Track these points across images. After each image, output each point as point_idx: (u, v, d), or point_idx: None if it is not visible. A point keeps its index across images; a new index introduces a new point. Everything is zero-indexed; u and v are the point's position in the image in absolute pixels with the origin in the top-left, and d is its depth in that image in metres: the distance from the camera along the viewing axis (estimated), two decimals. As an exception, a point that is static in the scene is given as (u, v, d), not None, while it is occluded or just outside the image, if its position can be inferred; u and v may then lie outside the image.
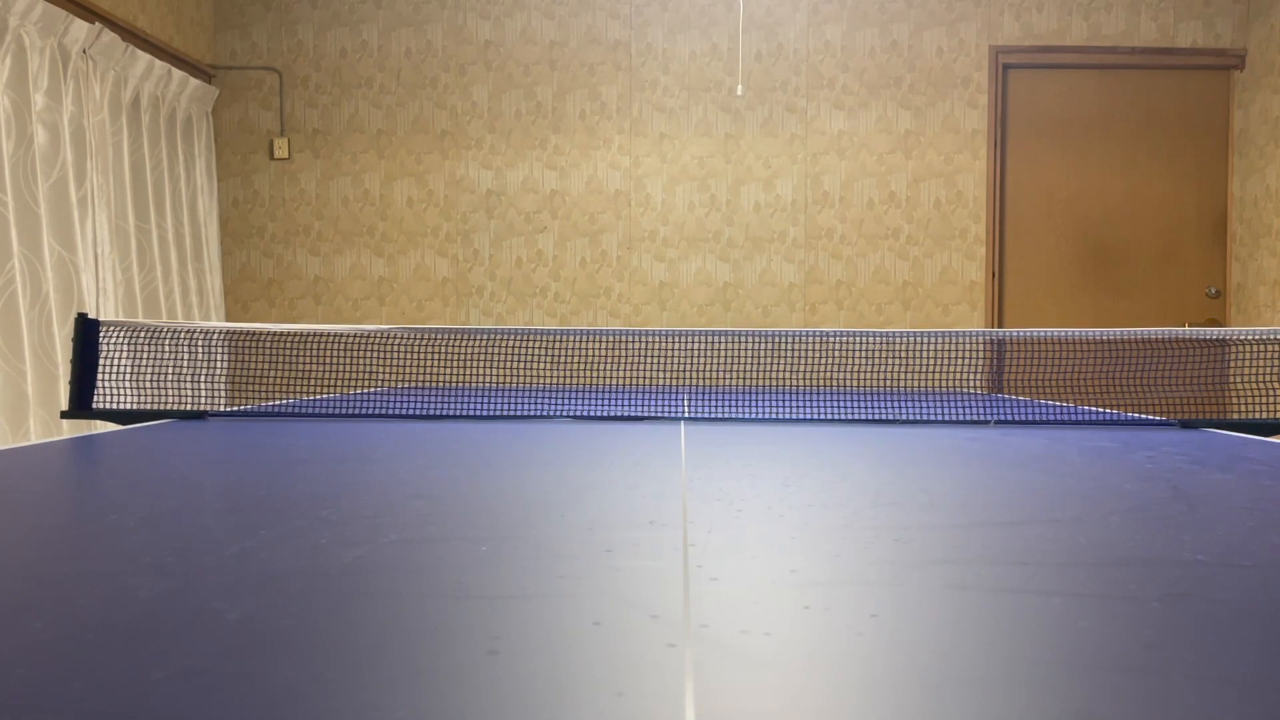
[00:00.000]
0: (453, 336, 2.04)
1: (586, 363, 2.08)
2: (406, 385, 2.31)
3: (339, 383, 2.05)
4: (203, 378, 2.10)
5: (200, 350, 2.09)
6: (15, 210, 2.77)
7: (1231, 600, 0.56)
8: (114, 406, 1.72)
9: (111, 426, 1.64)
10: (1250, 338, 1.78)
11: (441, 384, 2.10)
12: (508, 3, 4.01)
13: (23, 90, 2.84)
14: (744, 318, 4.04)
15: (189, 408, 1.90)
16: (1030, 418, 1.76)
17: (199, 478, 1.05)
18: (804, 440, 1.40)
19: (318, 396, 2.18)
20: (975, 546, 0.70)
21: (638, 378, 2.14)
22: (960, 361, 2.70)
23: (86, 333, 1.71)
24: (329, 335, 1.88)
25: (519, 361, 1.99)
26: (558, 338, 2.02)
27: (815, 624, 0.51)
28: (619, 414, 1.73)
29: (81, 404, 1.69)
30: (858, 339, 1.95)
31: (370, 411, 1.79)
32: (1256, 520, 0.80)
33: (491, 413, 1.77)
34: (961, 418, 1.76)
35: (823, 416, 1.74)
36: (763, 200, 4.02)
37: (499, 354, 2.08)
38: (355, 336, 1.85)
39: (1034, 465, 1.16)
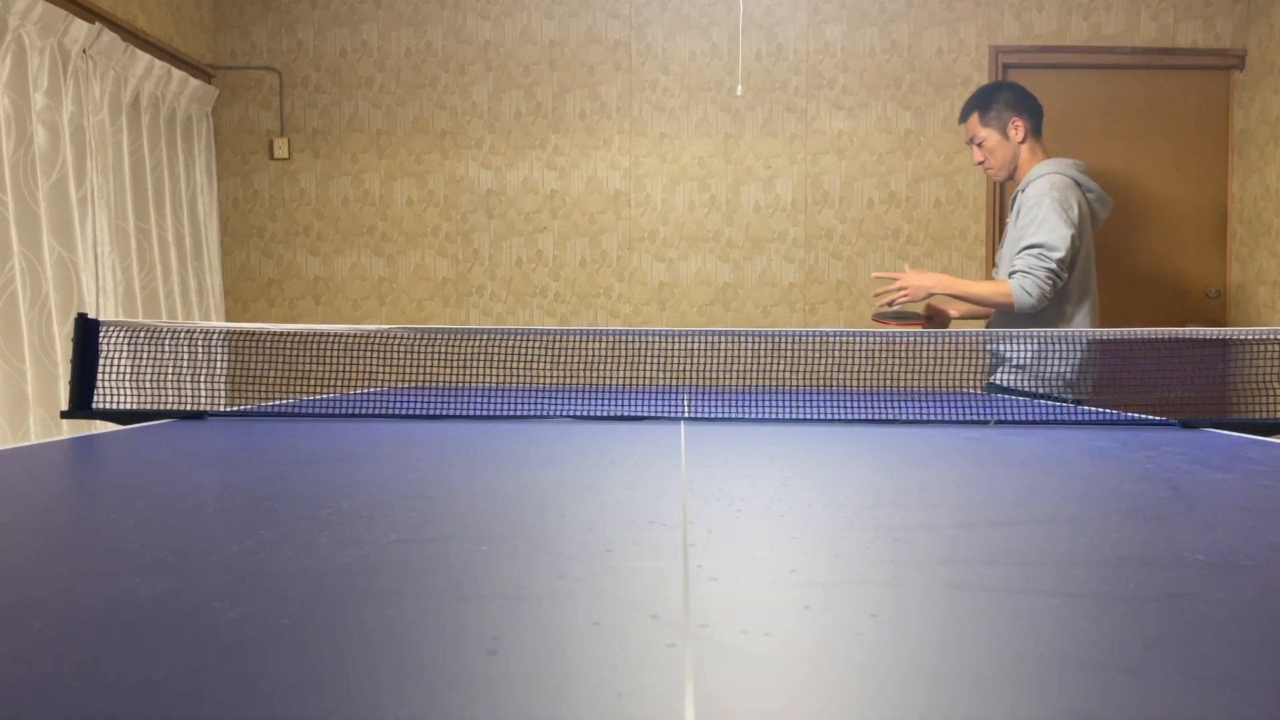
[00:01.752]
0: (453, 336, 2.04)
1: (586, 363, 2.08)
2: (406, 385, 2.31)
3: (339, 383, 2.05)
4: (203, 378, 2.10)
5: (200, 350, 2.09)
6: (15, 210, 2.77)
7: (1231, 600, 0.56)
8: (114, 406, 1.72)
9: (111, 426, 1.64)
10: (1250, 338, 1.78)
11: (441, 384, 2.10)
12: (508, 3, 4.01)
13: (23, 90, 2.84)
14: (744, 318, 4.05)
15: (189, 408, 1.90)
16: (1030, 418, 1.76)
17: (199, 478, 1.05)
18: (804, 440, 1.40)
19: (318, 396, 2.18)
20: (975, 546, 0.70)
21: (638, 378, 2.14)
22: (960, 361, 2.71)
23: (86, 333, 1.71)
24: (329, 335, 1.88)
25: (519, 361, 1.99)
26: (558, 338, 2.02)
27: (815, 624, 0.51)
28: (619, 414, 1.73)
29: (81, 404, 1.69)
30: (858, 339, 1.95)
31: (370, 411, 1.79)
32: (1256, 520, 0.80)
33: (491, 413, 1.77)
34: (961, 418, 1.76)
35: (823, 416, 1.74)
36: (763, 200, 4.02)
37: (499, 354, 2.08)
38: (355, 336, 1.86)
39: (1034, 465, 1.16)
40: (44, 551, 0.69)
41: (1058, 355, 2.68)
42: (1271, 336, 1.75)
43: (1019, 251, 2.66)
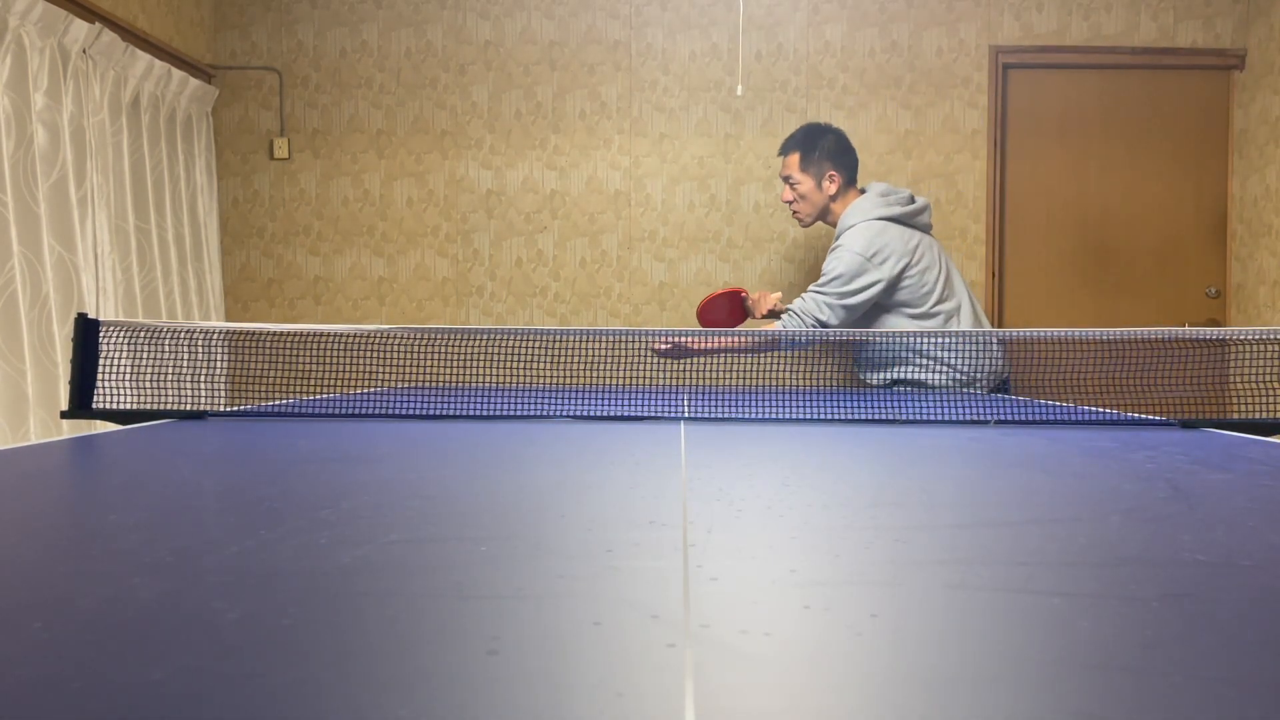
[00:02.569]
0: (453, 336, 2.04)
1: (586, 363, 2.08)
2: (406, 385, 2.31)
3: (339, 383, 2.05)
4: (203, 378, 2.10)
5: (200, 350, 2.09)
6: (15, 210, 2.77)
7: (1231, 600, 0.56)
8: (114, 406, 1.72)
9: (111, 426, 1.64)
10: (1250, 338, 1.78)
11: (441, 384, 2.10)
12: (508, 3, 4.01)
13: (23, 90, 2.84)
14: (744, 318, 4.04)
15: (189, 408, 1.90)
16: (1030, 418, 1.76)
17: (199, 478, 1.05)
18: (804, 440, 1.40)
19: (318, 396, 2.18)
20: (975, 546, 0.70)
21: (638, 378, 2.13)
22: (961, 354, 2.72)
23: (86, 333, 1.71)
24: (329, 335, 1.88)
25: (519, 361, 1.99)
26: (558, 338, 2.02)
27: (815, 624, 0.51)
28: (619, 414, 1.73)
29: (81, 404, 1.69)
30: (857, 339, 1.95)
31: (370, 411, 1.79)
32: (1256, 520, 0.80)
33: (491, 413, 1.77)
34: (961, 418, 1.76)
35: (823, 416, 1.74)
36: (763, 200, 4.02)
37: (499, 354, 2.08)
38: (355, 336, 1.85)
39: (1034, 465, 1.16)
40: (44, 551, 0.69)
41: (955, 355, 2.86)
42: (1271, 336, 1.75)
43: (807, 290, 2.84)
